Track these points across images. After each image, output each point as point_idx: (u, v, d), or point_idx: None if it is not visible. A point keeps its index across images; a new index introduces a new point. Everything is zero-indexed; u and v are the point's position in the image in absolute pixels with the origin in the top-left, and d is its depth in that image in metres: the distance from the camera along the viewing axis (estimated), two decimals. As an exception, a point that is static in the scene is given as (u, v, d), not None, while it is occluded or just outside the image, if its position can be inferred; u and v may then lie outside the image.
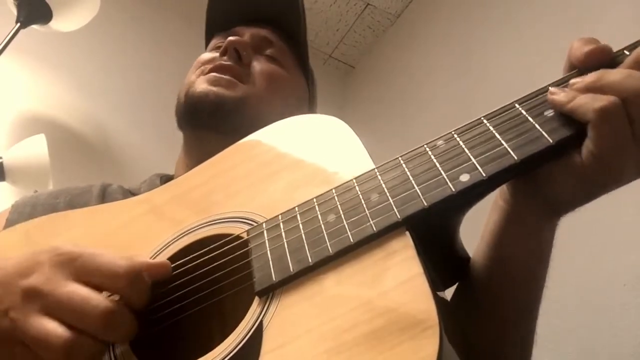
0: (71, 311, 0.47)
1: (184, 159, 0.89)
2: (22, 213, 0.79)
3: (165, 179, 0.90)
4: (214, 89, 0.83)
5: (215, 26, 0.98)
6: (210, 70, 0.86)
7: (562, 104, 0.47)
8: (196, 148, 0.86)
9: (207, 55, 0.91)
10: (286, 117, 0.70)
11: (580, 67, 0.49)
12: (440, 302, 0.41)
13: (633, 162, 0.46)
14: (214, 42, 0.96)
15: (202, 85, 0.84)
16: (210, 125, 0.83)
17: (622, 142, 0.45)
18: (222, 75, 0.85)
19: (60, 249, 0.51)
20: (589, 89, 0.46)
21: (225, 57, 0.87)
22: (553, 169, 0.49)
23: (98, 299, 0.47)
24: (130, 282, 0.49)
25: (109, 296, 0.49)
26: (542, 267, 0.57)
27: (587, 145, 0.46)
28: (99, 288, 0.48)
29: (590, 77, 0.47)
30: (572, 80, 0.48)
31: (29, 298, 0.48)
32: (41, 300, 0.48)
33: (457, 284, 0.62)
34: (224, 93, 0.83)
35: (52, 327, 0.46)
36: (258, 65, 0.89)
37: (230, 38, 0.88)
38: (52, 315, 0.47)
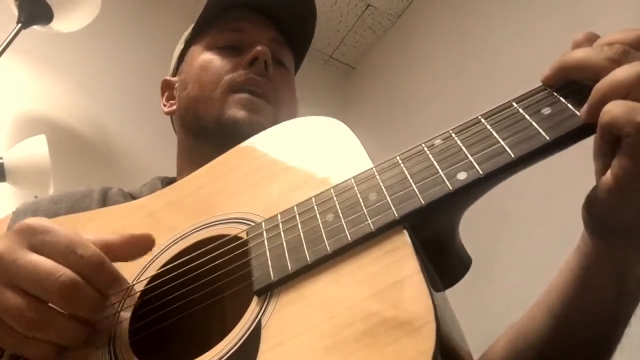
0: (33, 281, 0.48)
1: (188, 165, 0.88)
2: (24, 220, 0.79)
3: (167, 181, 0.90)
4: (254, 116, 0.82)
5: (215, 10, 0.92)
6: (240, 84, 0.84)
7: (589, 114, 0.43)
8: (205, 157, 0.84)
9: (222, 61, 0.88)
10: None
11: None
12: (438, 301, 0.42)
13: None
14: (217, 38, 0.91)
15: (239, 112, 0.82)
16: (234, 144, 0.80)
17: None
18: (255, 98, 0.83)
19: (28, 221, 0.52)
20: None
21: (252, 70, 0.85)
22: (595, 197, 0.46)
23: (62, 271, 0.48)
24: (94, 269, 0.50)
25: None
26: (630, 305, 0.55)
27: (620, 162, 0.42)
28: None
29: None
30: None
31: None
32: (2, 269, 0.49)
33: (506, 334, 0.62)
34: (262, 121, 0.81)
35: (17, 300, 0.48)
36: (278, 78, 0.88)
37: (259, 49, 0.85)
38: (15, 285, 0.48)
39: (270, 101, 0.85)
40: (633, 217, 0.47)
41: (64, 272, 0.48)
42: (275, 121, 0.83)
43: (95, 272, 0.50)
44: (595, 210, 0.48)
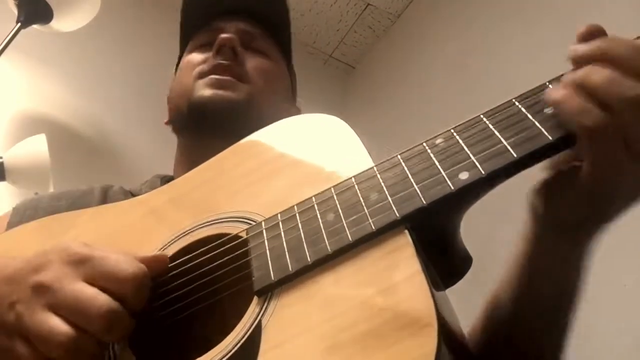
0: (76, 309, 0.47)
1: (184, 163, 0.88)
2: (23, 216, 0.79)
3: (166, 180, 0.90)
4: (220, 92, 0.82)
5: (192, 23, 0.96)
6: (209, 72, 0.84)
7: (555, 103, 0.45)
8: (197, 153, 0.83)
9: (197, 56, 0.89)
10: (281, 110, 0.69)
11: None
12: (439, 300, 0.41)
13: (632, 179, 0.44)
14: (197, 41, 0.93)
15: (205, 90, 0.83)
16: (217, 129, 0.81)
17: (615, 160, 0.43)
18: (223, 77, 0.83)
19: (70, 248, 0.51)
20: (579, 87, 0.44)
21: (219, 57, 0.85)
22: (551, 185, 0.48)
23: (103, 299, 0.47)
24: (135, 289, 0.49)
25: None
26: (571, 291, 0.56)
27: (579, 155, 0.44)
28: (104, 290, 0.48)
29: (580, 72, 0.44)
30: (565, 76, 0.46)
31: (37, 293, 0.49)
32: (48, 296, 0.48)
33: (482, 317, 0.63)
34: (232, 96, 0.82)
35: (56, 324, 0.47)
36: (252, 62, 0.88)
37: (223, 36, 0.86)
38: (58, 312, 0.47)
39: (242, 80, 0.85)
40: (587, 215, 0.49)
41: (104, 302, 0.47)
42: (250, 98, 0.83)
43: (135, 295, 0.49)
44: (550, 198, 0.49)
